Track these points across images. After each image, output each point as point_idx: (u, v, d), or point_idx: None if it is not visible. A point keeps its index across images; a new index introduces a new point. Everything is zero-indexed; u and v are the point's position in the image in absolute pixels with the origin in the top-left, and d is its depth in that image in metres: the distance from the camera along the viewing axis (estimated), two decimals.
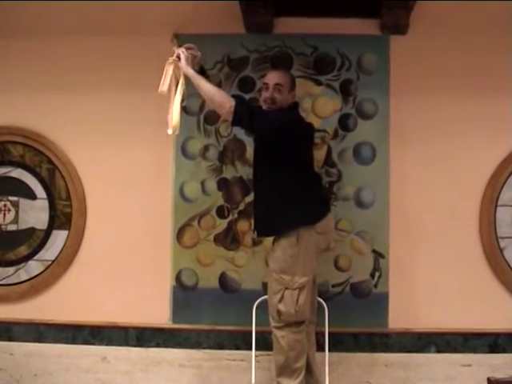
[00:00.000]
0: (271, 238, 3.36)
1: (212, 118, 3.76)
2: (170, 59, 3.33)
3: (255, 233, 3.46)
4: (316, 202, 3.34)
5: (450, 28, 3.76)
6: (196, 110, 3.77)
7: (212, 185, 3.77)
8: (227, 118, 3.28)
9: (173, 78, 3.34)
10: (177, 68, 3.32)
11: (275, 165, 3.24)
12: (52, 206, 3.84)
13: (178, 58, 3.30)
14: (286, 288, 3.18)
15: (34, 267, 3.82)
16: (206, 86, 3.25)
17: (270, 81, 3.35)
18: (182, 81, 3.34)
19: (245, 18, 3.64)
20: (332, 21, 3.71)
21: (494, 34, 3.73)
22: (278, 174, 3.24)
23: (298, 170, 3.29)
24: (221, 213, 3.76)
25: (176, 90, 3.30)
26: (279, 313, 3.18)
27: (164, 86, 3.31)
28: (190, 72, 3.28)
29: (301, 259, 3.19)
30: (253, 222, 3.50)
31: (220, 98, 3.22)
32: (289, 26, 3.76)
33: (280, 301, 3.18)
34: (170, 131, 3.36)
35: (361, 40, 3.75)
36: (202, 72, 3.42)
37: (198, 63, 3.40)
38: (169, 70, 3.32)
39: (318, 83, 3.76)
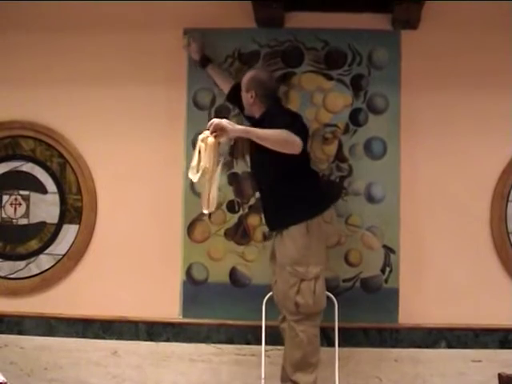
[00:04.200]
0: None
1: (223, 111, 3.74)
2: (201, 136, 3.09)
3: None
4: (319, 194, 3.40)
5: (462, 23, 3.75)
6: (207, 105, 3.77)
7: (223, 179, 3.73)
8: (297, 152, 3.10)
9: (211, 156, 3.06)
10: (214, 144, 3.05)
11: (284, 161, 3.21)
12: (63, 200, 3.84)
13: (213, 132, 3.03)
14: (302, 280, 3.19)
15: (44, 261, 3.83)
16: (267, 133, 3.06)
17: None
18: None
19: (256, 12, 3.63)
20: (343, 15, 3.70)
21: (506, 30, 3.70)
22: (287, 170, 3.25)
23: (302, 165, 3.33)
24: (231, 207, 3.76)
25: (216, 168, 3.09)
26: (297, 305, 3.18)
27: (208, 164, 3.03)
28: (244, 130, 3.12)
29: (313, 249, 3.21)
30: (263, 217, 3.54)
31: (286, 137, 3.04)
32: (300, 20, 3.75)
33: (297, 293, 3.19)
34: (205, 211, 3.18)
35: (372, 35, 3.73)
36: (206, 60, 3.52)
37: (200, 52, 3.50)
38: (207, 149, 3.05)
39: (329, 78, 3.75)
